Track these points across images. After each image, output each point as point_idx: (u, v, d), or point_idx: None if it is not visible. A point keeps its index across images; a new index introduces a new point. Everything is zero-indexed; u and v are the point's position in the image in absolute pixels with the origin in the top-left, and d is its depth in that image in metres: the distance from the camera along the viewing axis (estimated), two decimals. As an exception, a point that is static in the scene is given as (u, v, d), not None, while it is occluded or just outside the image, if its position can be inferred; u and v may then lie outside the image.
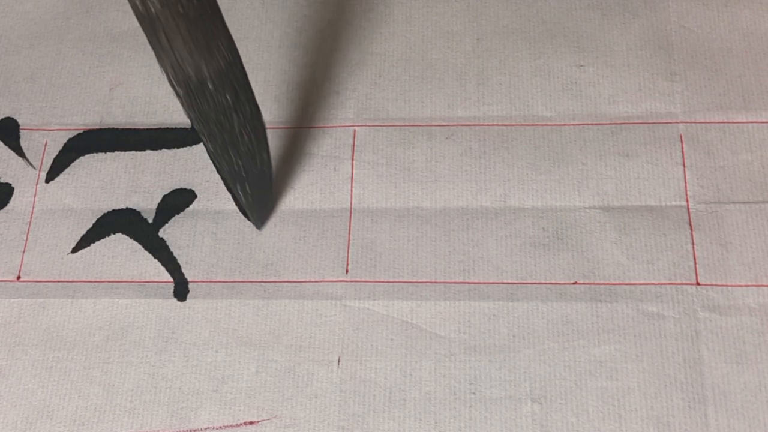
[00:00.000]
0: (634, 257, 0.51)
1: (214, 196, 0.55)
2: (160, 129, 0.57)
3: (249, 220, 0.53)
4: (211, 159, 0.50)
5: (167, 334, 0.51)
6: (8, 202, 0.55)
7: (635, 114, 0.54)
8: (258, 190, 0.51)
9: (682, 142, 0.53)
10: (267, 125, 0.56)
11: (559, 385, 0.48)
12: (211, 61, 0.43)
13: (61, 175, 0.56)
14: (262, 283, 0.52)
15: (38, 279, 0.53)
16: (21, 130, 0.57)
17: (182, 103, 0.45)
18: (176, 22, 0.41)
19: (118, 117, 0.57)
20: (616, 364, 0.48)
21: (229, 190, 0.54)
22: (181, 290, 0.52)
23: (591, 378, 0.48)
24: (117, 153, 0.56)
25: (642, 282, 0.50)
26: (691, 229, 0.51)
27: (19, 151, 0.57)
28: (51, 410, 0.50)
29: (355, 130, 0.55)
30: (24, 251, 0.54)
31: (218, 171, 0.51)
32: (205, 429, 0.49)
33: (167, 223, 0.54)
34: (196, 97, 0.44)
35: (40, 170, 0.56)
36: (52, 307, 0.52)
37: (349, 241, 0.53)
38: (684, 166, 0.52)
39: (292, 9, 0.59)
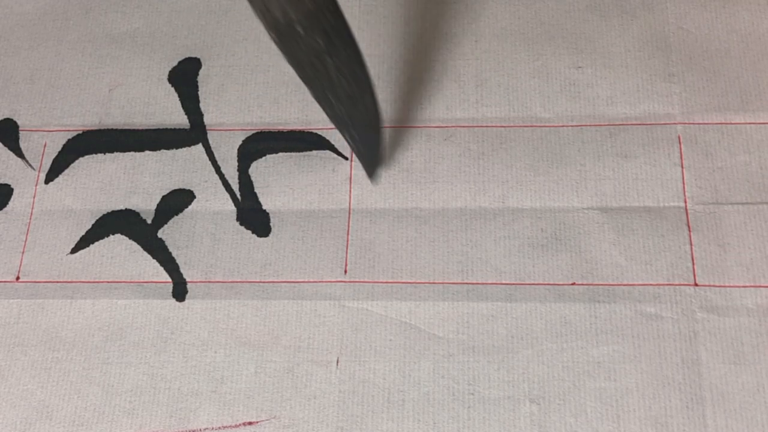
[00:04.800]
0: (632, 258, 0.51)
1: (212, 196, 0.55)
2: (158, 130, 0.57)
3: (365, 169, 0.53)
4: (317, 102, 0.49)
5: (166, 334, 0.51)
6: (8, 203, 0.55)
7: (633, 115, 0.54)
8: (366, 136, 0.50)
9: (680, 143, 0.53)
10: (266, 126, 0.56)
11: (558, 385, 0.48)
12: (298, 4, 0.43)
13: (60, 176, 0.56)
14: (261, 284, 0.52)
15: (37, 279, 0.53)
16: (20, 131, 0.57)
17: (279, 48, 0.45)
18: None
19: (117, 118, 0.57)
20: (615, 365, 0.49)
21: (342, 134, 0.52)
22: (179, 291, 0.52)
23: (589, 378, 0.48)
24: (116, 154, 0.56)
25: (640, 283, 0.50)
26: (689, 230, 0.51)
27: (19, 152, 0.57)
28: (50, 410, 0.50)
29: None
30: (23, 252, 0.54)
31: (326, 114, 0.50)
32: (204, 429, 0.49)
33: (166, 223, 0.54)
34: (288, 41, 0.44)
35: (39, 171, 0.56)
36: (52, 308, 0.53)
37: (347, 241, 0.53)
38: (682, 167, 0.53)
39: (291, 10, 0.59)
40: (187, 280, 0.53)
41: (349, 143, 0.51)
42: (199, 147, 0.56)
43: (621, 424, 0.47)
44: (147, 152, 0.56)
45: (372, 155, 0.52)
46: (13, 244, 0.54)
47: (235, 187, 0.55)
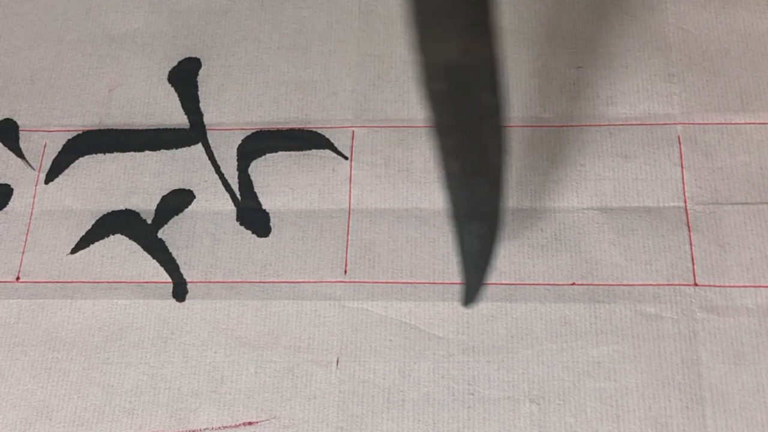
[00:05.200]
0: (632, 258, 0.51)
1: (212, 196, 0.55)
2: (158, 129, 0.57)
3: (464, 283, 0.44)
4: (447, 187, 0.39)
5: (166, 334, 0.51)
6: (7, 203, 0.55)
7: (633, 115, 0.54)
8: (487, 240, 0.41)
9: (680, 143, 0.53)
10: (266, 126, 0.56)
11: (558, 385, 0.48)
12: (479, 47, 0.33)
13: (60, 176, 0.56)
14: (261, 284, 0.52)
15: (37, 280, 0.53)
16: (20, 131, 0.57)
17: (430, 103, 0.35)
18: None
19: (117, 118, 0.57)
20: (614, 365, 0.49)
21: (457, 231, 0.42)
22: (179, 291, 0.52)
23: (589, 379, 0.48)
24: (116, 154, 0.56)
25: (640, 283, 0.50)
26: (689, 230, 0.51)
27: (19, 152, 0.57)
28: (50, 411, 0.50)
29: (353, 131, 0.55)
30: (23, 252, 0.54)
31: (453, 203, 0.40)
32: (204, 429, 0.49)
33: (166, 224, 0.54)
34: (451, 91, 0.34)
35: (39, 171, 0.56)
36: (52, 308, 0.53)
37: (347, 241, 0.53)
38: (682, 167, 0.53)
39: (291, 10, 0.59)
40: (187, 280, 0.53)
41: (464, 245, 0.42)
42: (199, 147, 0.56)
43: (621, 424, 0.48)
44: (147, 152, 0.56)
45: (484, 264, 0.43)
46: (13, 244, 0.54)
47: (235, 186, 0.55)
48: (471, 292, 0.45)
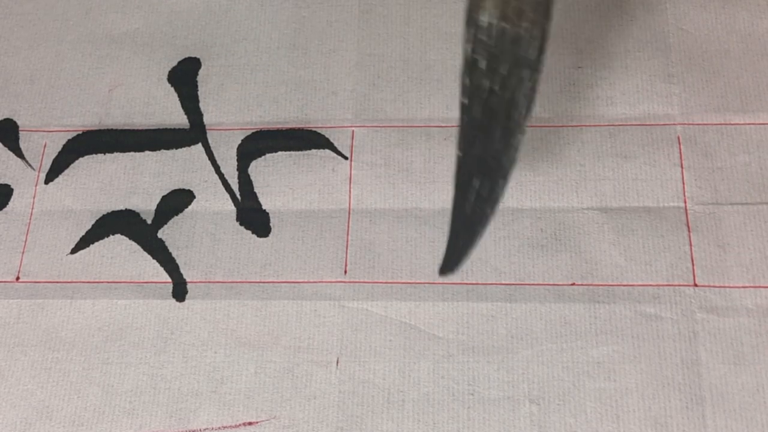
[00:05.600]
0: (632, 258, 0.51)
1: (212, 196, 0.55)
2: (158, 129, 0.57)
3: (448, 247, 0.44)
4: (464, 132, 0.41)
5: (166, 334, 0.51)
6: (7, 203, 0.55)
7: (633, 115, 0.54)
8: (486, 202, 0.42)
9: (679, 143, 0.53)
10: (265, 126, 0.56)
11: (557, 386, 0.49)
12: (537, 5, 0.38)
13: (60, 176, 0.56)
14: (261, 284, 0.52)
15: (37, 280, 0.53)
16: (20, 131, 0.57)
17: (475, 41, 0.38)
18: None
19: (117, 118, 0.57)
20: (614, 365, 0.49)
21: (460, 185, 0.42)
22: (179, 291, 0.52)
23: (589, 379, 0.48)
24: (116, 154, 0.56)
25: (640, 283, 0.50)
26: (689, 231, 0.51)
27: (19, 153, 0.57)
28: (50, 411, 0.50)
29: (353, 131, 0.55)
30: (23, 252, 0.54)
31: (464, 151, 0.41)
32: (204, 430, 0.49)
33: (166, 224, 0.54)
34: (504, 36, 0.38)
35: (39, 171, 0.56)
36: (51, 308, 0.53)
37: (347, 241, 0.53)
38: (682, 167, 0.53)
39: (291, 10, 0.59)
40: (187, 280, 0.53)
41: (464, 201, 0.42)
42: (199, 147, 0.56)
43: (621, 425, 0.48)
44: (147, 152, 0.56)
45: (475, 229, 0.42)
46: (13, 244, 0.54)
47: (235, 186, 0.55)
48: (452, 259, 0.43)
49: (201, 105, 0.57)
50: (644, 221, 0.52)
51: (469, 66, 0.39)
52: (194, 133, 0.56)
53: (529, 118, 0.40)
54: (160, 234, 0.54)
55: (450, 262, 0.43)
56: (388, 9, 0.59)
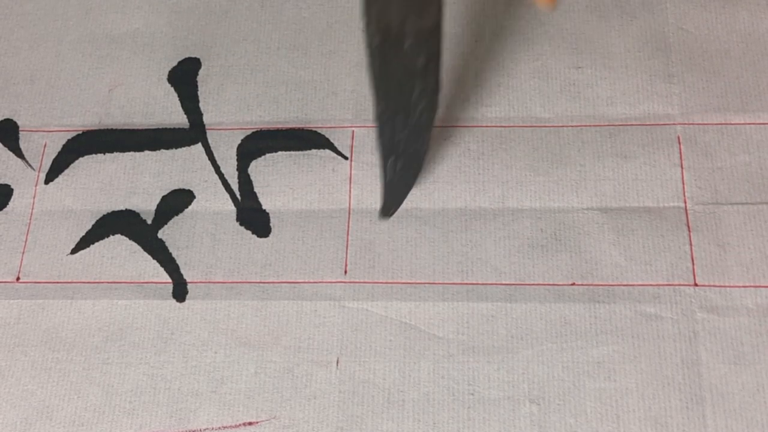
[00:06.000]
0: (632, 258, 0.51)
1: (212, 196, 0.55)
2: (158, 129, 0.57)
3: (383, 200, 0.52)
4: (375, 122, 0.47)
5: (166, 334, 0.51)
6: (8, 204, 0.55)
7: (633, 116, 0.54)
8: (406, 172, 0.50)
9: (679, 143, 0.53)
10: (265, 126, 0.56)
11: (558, 385, 0.48)
12: (418, 19, 0.41)
13: (60, 176, 0.56)
14: (261, 284, 0.52)
15: (38, 280, 0.53)
16: (20, 132, 0.57)
17: (371, 54, 0.43)
18: None
19: (117, 118, 0.57)
20: (614, 365, 0.49)
21: (381, 160, 0.50)
22: (179, 291, 0.52)
23: (589, 379, 0.48)
24: (116, 154, 0.56)
25: (640, 283, 0.50)
26: (689, 230, 0.51)
27: (19, 153, 0.57)
28: (50, 411, 0.50)
29: (353, 131, 0.55)
30: (23, 252, 0.54)
31: (378, 137, 0.48)
32: (204, 430, 0.49)
33: (166, 224, 0.54)
34: (388, 51, 0.42)
35: (39, 171, 0.56)
36: (52, 308, 0.53)
37: (347, 242, 0.53)
38: (682, 167, 0.53)
39: (291, 11, 0.59)
40: (187, 280, 0.53)
41: (384, 172, 0.50)
42: (199, 147, 0.56)
43: (621, 424, 0.48)
44: (146, 152, 0.56)
45: (400, 191, 0.52)
46: (13, 244, 0.54)
47: (235, 186, 0.55)
48: (386, 209, 0.52)
49: (201, 105, 0.57)
50: (644, 221, 0.52)
51: (369, 68, 0.44)
52: (194, 132, 0.56)
53: (433, 110, 0.47)
54: (160, 234, 0.54)
55: (385, 212, 0.52)
56: (388, 9, 0.59)
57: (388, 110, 0.46)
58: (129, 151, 0.56)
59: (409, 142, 0.47)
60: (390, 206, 0.52)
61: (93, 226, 0.54)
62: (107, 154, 0.56)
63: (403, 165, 0.49)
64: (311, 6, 0.59)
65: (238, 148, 0.56)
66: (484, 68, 0.56)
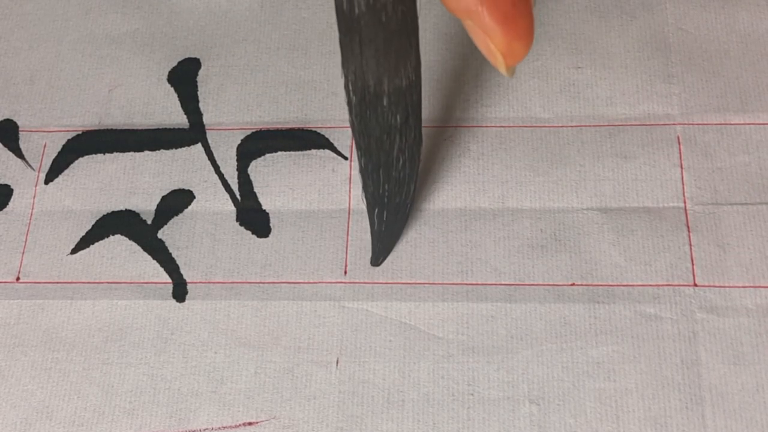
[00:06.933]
0: (631, 258, 0.51)
1: (212, 197, 0.55)
2: (158, 129, 0.57)
3: (372, 249, 0.52)
4: (360, 175, 0.47)
5: (166, 335, 0.51)
6: (7, 204, 0.55)
7: (633, 116, 0.54)
8: (392, 223, 0.50)
9: (679, 143, 0.53)
10: (265, 126, 0.56)
11: (557, 386, 0.49)
12: (395, 78, 0.41)
13: (60, 176, 0.56)
14: (261, 284, 0.52)
15: (37, 280, 0.53)
16: (20, 132, 0.57)
17: (350, 111, 0.43)
18: (375, 30, 0.38)
19: (117, 118, 0.57)
20: (614, 366, 0.49)
21: (368, 212, 0.51)
22: (179, 291, 0.52)
23: (589, 379, 0.48)
24: (116, 154, 0.56)
25: (639, 283, 0.50)
26: (689, 231, 0.51)
27: (18, 153, 0.57)
28: (50, 411, 0.50)
29: (353, 132, 0.55)
30: (23, 252, 0.54)
31: (363, 189, 0.48)
32: (204, 430, 0.49)
33: (166, 224, 0.54)
34: (367, 109, 0.42)
35: (39, 171, 0.56)
36: (52, 309, 0.53)
37: (347, 242, 0.53)
38: (681, 167, 0.53)
39: (291, 11, 0.59)
40: (187, 280, 0.53)
41: (372, 223, 0.50)
42: (199, 147, 0.56)
43: (620, 425, 0.48)
44: (146, 152, 0.56)
45: (389, 241, 0.52)
46: (13, 244, 0.54)
47: (235, 187, 0.55)
48: (375, 258, 0.52)
49: (201, 105, 0.57)
50: (644, 221, 0.52)
51: (350, 124, 0.44)
52: (194, 133, 0.56)
53: (416, 162, 0.47)
54: (160, 234, 0.54)
55: (375, 260, 0.52)
56: (387, 9, 0.59)
57: (370, 164, 0.46)
58: (129, 151, 0.56)
59: (392, 194, 0.48)
60: (380, 255, 0.52)
61: (93, 226, 0.54)
62: (107, 154, 0.56)
63: (389, 216, 0.49)
64: (311, 6, 0.59)
65: (237, 148, 0.56)
66: (484, 68, 0.56)
